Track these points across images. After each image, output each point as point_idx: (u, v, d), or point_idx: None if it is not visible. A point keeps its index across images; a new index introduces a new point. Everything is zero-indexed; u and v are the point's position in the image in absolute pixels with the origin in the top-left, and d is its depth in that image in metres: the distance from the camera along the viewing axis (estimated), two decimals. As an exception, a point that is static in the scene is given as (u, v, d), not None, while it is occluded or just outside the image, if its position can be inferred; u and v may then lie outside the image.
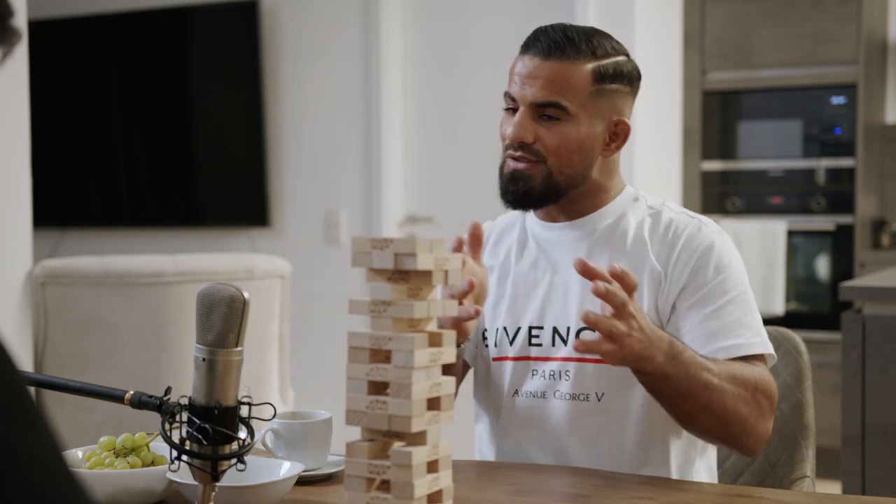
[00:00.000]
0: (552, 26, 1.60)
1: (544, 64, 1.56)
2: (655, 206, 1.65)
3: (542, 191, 1.59)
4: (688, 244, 1.57)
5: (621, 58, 1.61)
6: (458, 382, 1.72)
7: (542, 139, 1.57)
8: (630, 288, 1.35)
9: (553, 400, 1.59)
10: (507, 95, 1.61)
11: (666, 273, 1.57)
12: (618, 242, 1.62)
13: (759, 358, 1.54)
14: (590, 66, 1.57)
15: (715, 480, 1.66)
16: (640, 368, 1.41)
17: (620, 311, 1.33)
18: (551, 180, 1.59)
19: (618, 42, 1.63)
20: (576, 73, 1.56)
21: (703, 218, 1.63)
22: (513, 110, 1.61)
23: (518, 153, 1.59)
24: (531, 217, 1.71)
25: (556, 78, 1.56)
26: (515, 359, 1.62)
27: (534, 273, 1.66)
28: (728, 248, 1.59)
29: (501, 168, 1.62)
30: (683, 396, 1.44)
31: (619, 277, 1.34)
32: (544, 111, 1.57)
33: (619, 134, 1.62)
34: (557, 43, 1.57)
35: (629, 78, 1.62)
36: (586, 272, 1.34)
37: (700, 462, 1.63)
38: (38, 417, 0.58)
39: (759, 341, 1.54)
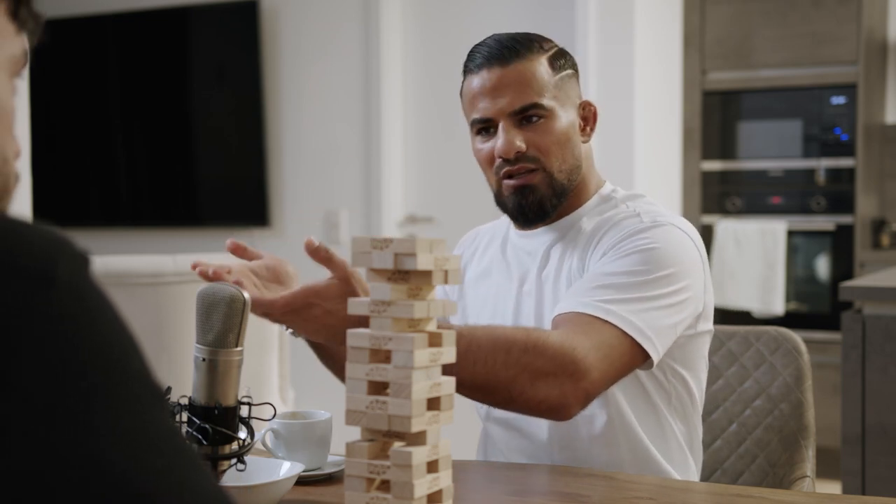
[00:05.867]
0: (486, 39, 1.57)
1: (506, 70, 1.53)
2: (618, 202, 1.61)
3: (550, 196, 1.56)
4: (609, 232, 1.54)
5: (557, 45, 1.60)
6: None
7: (533, 143, 1.54)
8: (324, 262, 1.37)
9: None
10: (477, 121, 1.57)
11: (584, 266, 1.54)
12: (574, 241, 1.59)
13: (608, 327, 1.40)
14: (543, 57, 1.56)
15: (699, 467, 1.64)
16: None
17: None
18: (555, 182, 1.56)
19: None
20: (537, 68, 1.54)
21: (656, 211, 1.56)
22: (485, 131, 1.57)
23: (515, 166, 1.55)
24: (512, 227, 1.69)
25: (523, 79, 1.53)
26: None
27: (507, 284, 1.65)
28: (657, 238, 1.49)
29: (498, 194, 1.59)
30: None
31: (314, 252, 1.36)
32: (524, 115, 1.54)
33: (588, 117, 1.62)
34: (507, 47, 1.54)
35: (572, 62, 1.61)
36: (311, 249, 1.36)
37: (679, 452, 1.60)
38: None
39: (597, 308, 1.40)
